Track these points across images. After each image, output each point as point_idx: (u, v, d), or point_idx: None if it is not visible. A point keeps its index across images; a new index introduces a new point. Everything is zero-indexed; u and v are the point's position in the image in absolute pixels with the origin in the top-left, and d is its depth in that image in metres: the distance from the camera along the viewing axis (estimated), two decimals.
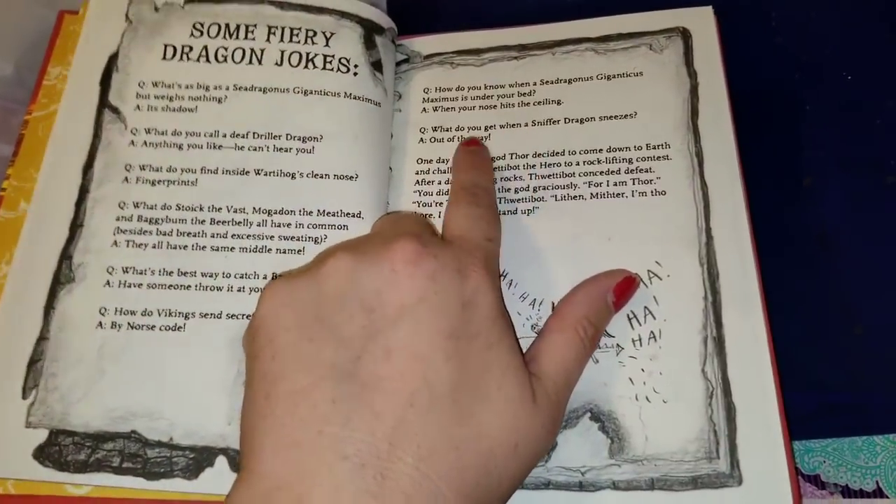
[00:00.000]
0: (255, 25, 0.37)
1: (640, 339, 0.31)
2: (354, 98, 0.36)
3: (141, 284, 0.33)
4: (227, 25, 0.37)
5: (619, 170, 0.34)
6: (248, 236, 0.34)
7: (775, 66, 0.40)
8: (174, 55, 0.37)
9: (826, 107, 0.38)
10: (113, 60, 0.37)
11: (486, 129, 0.37)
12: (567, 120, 0.36)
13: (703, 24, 0.37)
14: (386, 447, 0.22)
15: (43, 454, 0.30)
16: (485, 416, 0.24)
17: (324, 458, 0.22)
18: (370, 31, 0.38)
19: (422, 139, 0.37)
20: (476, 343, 0.25)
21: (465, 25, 0.40)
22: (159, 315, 0.32)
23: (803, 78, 0.39)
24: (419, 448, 0.23)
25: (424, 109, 0.38)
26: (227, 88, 0.36)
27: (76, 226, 0.34)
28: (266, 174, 0.35)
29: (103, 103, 0.36)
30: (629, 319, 0.31)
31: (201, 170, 0.35)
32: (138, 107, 0.36)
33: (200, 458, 0.30)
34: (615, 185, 0.34)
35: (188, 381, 0.31)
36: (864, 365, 0.33)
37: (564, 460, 0.29)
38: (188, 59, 0.37)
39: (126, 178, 0.34)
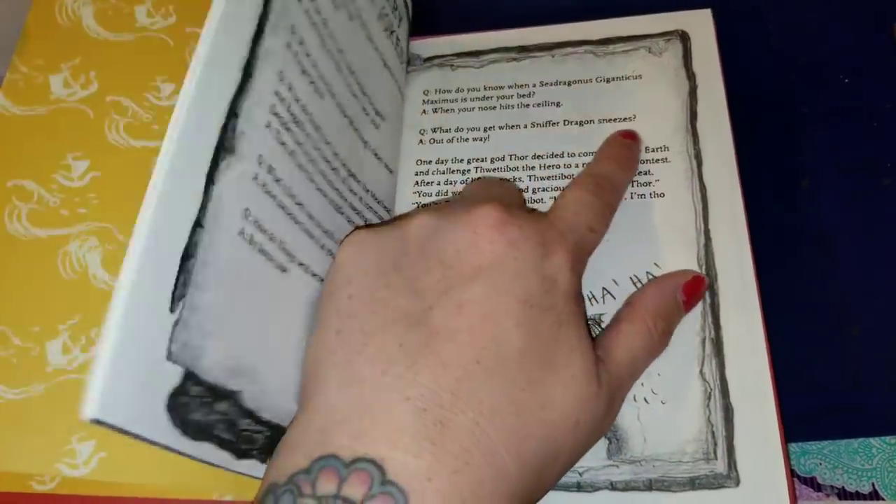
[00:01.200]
0: None
1: None
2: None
3: (275, 196, 0.25)
4: None
5: None
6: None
7: (771, 68, 0.40)
8: None
9: (822, 109, 0.38)
10: None
11: (485, 129, 0.37)
12: (566, 122, 0.36)
13: (701, 26, 0.37)
14: (448, 397, 0.22)
15: (174, 403, 0.20)
16: (549, 386, 0.24)
17: (386, 398, 0.22)
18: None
19: (421, 140, 0.37)
20: (549, 316, 0.25)
21: (465, 28, 0.40)
22: (274, 243, 0.24)
23: (799, 80, 0.39)
24: (481, 404, 0.22)
25: (424, 111, 0.38)
26: None
27: (247, 75, 0.23)
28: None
29: None
30: None
31: None
32: None
33: (275, 438, 0.24)
34: None
35: (280, 342, 0.25)
36: (861, 366, 0.33)
37: None
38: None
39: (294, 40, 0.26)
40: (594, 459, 0.29)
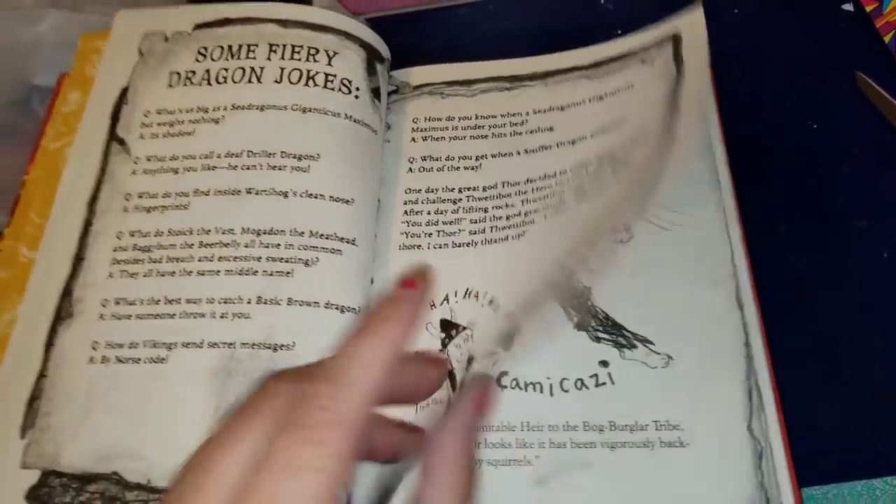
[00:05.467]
0: (256, 45, 0.36)
1: None
2: (355, 121, 0.35)
3: (130, 316, 0.31)
4: (230, 47, 0.36)
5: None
6: (236, 258, 0.32)
7: (741, 116, 0.38)
8: (178, 81, 0.36)
9: (792, 155, 0.38)
10: (124, 94, 0.36)
11: (476, 158, 0.36)
12: (559, 144, 0.35)
13: (693, 24, 0.33)
14: None
15: (34, 496, 0.29)
16: None
17: None
18: (372, 56, 0.37)
19: (410, 168, 0.36)
20: None
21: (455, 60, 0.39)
22: (144, 347, 0.30)
23: (768, 127, 0.39)
24: None
25: (413, 139, 0.37)
26: (225, 109, 0.35)
27: (78, 260, 0.33)
28: (257, 193, 0.33)
29: (112, 136, 0.35)
30: None
31: (194, 192, 0.33)
32: (142, 136, 0.35)
33: None
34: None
35: (168, 418, 0.29)
36: (856, 408, 0.32)
37: None
38: (191, 83, 0.36)
39: (125, 208, 0.34)
40: None
